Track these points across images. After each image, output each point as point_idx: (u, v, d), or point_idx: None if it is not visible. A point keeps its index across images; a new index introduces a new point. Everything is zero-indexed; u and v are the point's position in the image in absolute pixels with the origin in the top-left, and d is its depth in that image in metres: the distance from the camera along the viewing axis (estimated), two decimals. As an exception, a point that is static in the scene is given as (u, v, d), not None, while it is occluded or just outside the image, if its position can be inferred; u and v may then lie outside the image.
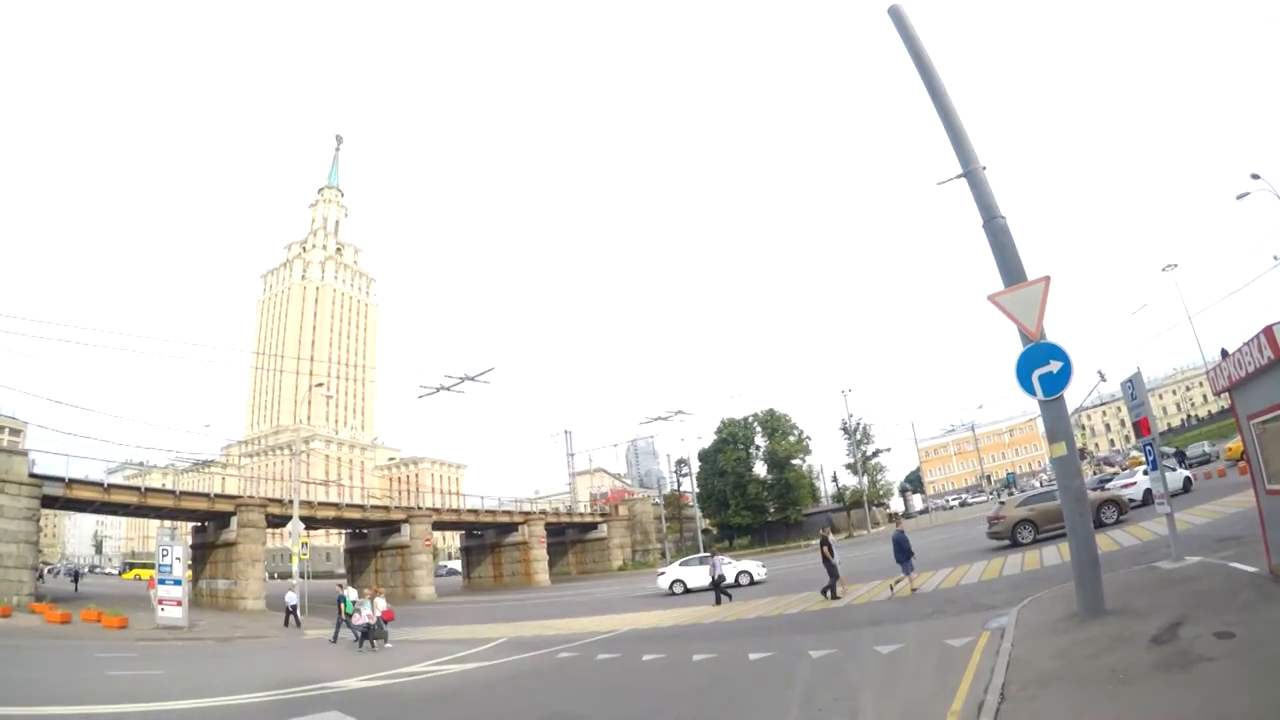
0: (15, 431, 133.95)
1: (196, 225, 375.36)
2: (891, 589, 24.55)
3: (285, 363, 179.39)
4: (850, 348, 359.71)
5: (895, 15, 15.61)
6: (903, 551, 24.73)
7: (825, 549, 27.26)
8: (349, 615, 31.73)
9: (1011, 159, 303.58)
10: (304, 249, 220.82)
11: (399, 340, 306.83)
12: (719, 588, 33.00)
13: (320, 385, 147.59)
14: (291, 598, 46.63)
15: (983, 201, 14.11)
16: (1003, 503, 38.35)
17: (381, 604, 27.89)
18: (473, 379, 45.27)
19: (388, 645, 26.71)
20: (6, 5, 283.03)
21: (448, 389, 46.50)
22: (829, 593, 26.19)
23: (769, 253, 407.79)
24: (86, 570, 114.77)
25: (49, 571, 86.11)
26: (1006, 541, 32.34)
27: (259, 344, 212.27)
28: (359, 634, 27.28)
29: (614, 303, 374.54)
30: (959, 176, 14.56)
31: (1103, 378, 67.14)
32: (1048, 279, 12.87)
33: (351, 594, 41.12)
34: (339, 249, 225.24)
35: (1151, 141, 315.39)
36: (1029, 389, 12.80)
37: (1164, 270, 71.29)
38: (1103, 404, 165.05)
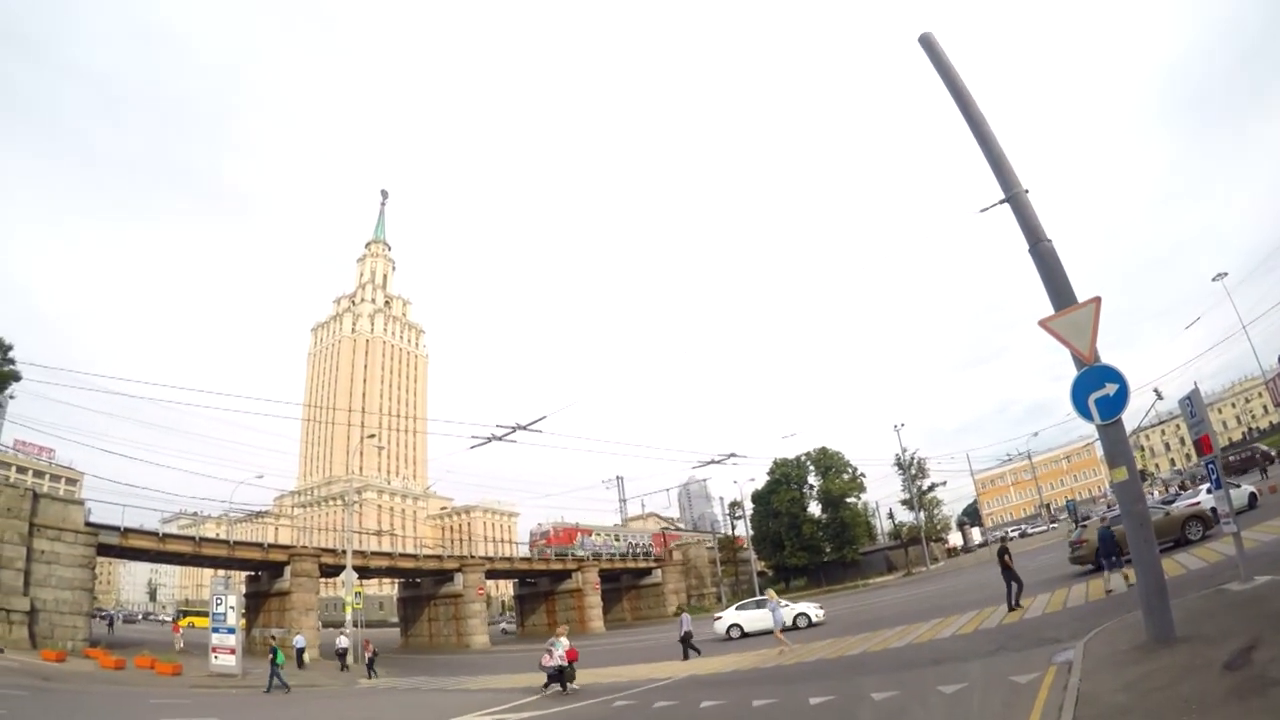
0: (72, 481, 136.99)
1: (247, 280, 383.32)
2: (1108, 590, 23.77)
3: (337, 414, 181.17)
4: (900, 382, 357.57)
5: (926, 44, 15.34)
6: (1109, 548, 24.51)
7: (1006, 558, 26.71)
8: (279, 665, 33.33)
9: (1047, 177, 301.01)
10: (353, 302, 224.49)
11: (449, 389, 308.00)
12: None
13: (372, 436, 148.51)
14: (342, 642, 46.64)
15: (1027, 226, 13.72)
16: (1084, 527, 37.17)
17: (565, 643, 27.11)
18: (524, 428, 44.84)
19: (575, 686, 25.98)
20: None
21: (499, 438, 46.07)
22: (1014, 601, 25.51)
23: (817, 293, 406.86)
24: (140, 617, 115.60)
25: (101, 618, 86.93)
26: (1090, 566, 31.26)
27: (310, 396, 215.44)
28: (549, 676, 26.25)
29: (665, 348, 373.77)
30: (1001, 202, 14.16)
31: (1159, 396, 65.56)
32: (1098, 300, 12.40)
33: (300, 641, 42.10)
34: (388, 301, 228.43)
35: (1190, 144, 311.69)
36: (1085, 414, 12.32)
37: (1214, 280, 69.06)
38: (1161, 423, 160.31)
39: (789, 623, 39.57)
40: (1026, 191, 13.90)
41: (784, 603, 42.42)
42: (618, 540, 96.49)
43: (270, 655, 33.78)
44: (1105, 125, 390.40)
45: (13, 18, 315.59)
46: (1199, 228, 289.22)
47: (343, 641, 49.43)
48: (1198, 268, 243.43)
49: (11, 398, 63.42)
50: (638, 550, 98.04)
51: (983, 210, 14.87)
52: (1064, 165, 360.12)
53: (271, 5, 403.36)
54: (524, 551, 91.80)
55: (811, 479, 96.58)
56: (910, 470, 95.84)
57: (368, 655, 43.06)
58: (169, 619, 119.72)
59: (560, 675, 25.74)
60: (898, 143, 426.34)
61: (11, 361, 60.66)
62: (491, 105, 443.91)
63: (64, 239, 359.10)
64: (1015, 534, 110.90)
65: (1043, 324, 13.08)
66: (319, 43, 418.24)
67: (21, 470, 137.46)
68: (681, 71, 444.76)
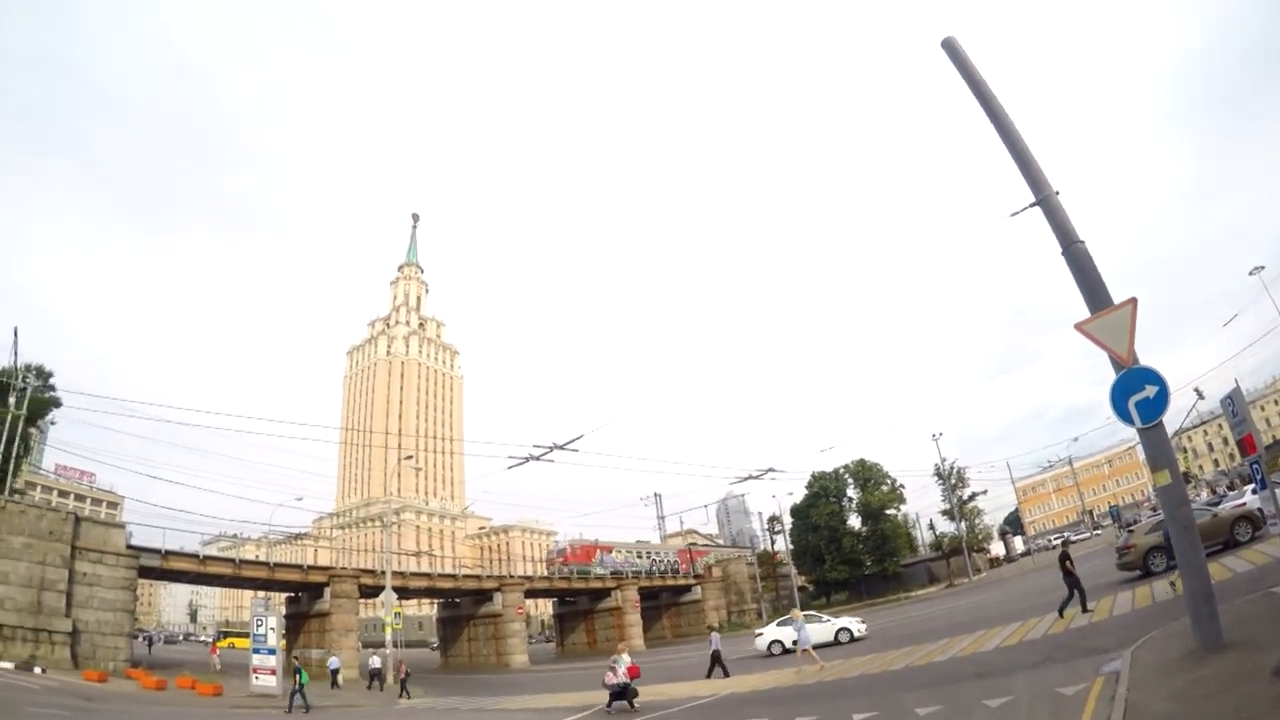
0: (113, 505, 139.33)
1: (284, 306, 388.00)
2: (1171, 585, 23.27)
3: (374, 436, 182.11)
4: (936, 391, 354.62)
5: (949, 48, 15.15)
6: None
7: (1068, 563, 26.18)
8: (303, 685, 33.39)
9: (1074, 176, 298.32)
10: (387, 325, 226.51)
11: (485, 408, 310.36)
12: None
13: (409, 458, 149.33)
14: (375, 662, 46.79)
15: (1059, 228, 13.47)
16: (1131, 531, 36.39)
17: (627, 660, 26.74)
18: (561, 447, 44.84)
19: (638, 704, 25.60)
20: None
21: (536, 458, 46.07)
22: (1081, 607, 24.99)
23: (849, 305, 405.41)
24: (181, 638, 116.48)
25: (142, 639, 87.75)
26: (1138, 572, 30.56)
27: (347, 418, 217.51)
28: (612, 694, 25.69)
29: (701, 363, 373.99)
30: (1032, 205, 13.93)
31: (1200, 395, 64.32)
32: (1134, 301, 12.09)
33: (334, 662, 42.19)
34: (421, 324, 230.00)
35: (1218, 140, 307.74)
36: (1126, 417, 11.99)
37: (1251, 274, 67.55)
38: (1203, 423, 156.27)
39: (830, 638, 39.25)
40: (1057, 194, 13.68)
41: (825, 616, 42.18)
42: (640, 558, 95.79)
43: (295, 675, 33.82)
44: (1131, 122, 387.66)
45: (54, 51, 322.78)
46: (1231, 222, 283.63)
47: (375, 661, 49.76)
48: (1233, 263, 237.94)
49: (52, 423, 64.64)
50: (663, 567, 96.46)
51: (1014, 214, 14.72)
52: (1091, 164, 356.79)
53: (302, 40, 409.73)
54: (562, 570, 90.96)
55: (850, 491, 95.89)
56: (950, 480, 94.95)
57: (401, 675, 43.04)
58: (209, 640, 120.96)
59: (624, 693, 25.34)
60: (925, 150, 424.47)
61: (52, 388, 61.74)
62: (522, 124, 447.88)
63: (105, 268, 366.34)
64: (1058, 541, 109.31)
65: (1079, 327, 12.81)
66: (349, 73, 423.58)
67: (63, 494, 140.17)
68: (712, 89, 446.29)
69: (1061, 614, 24.94)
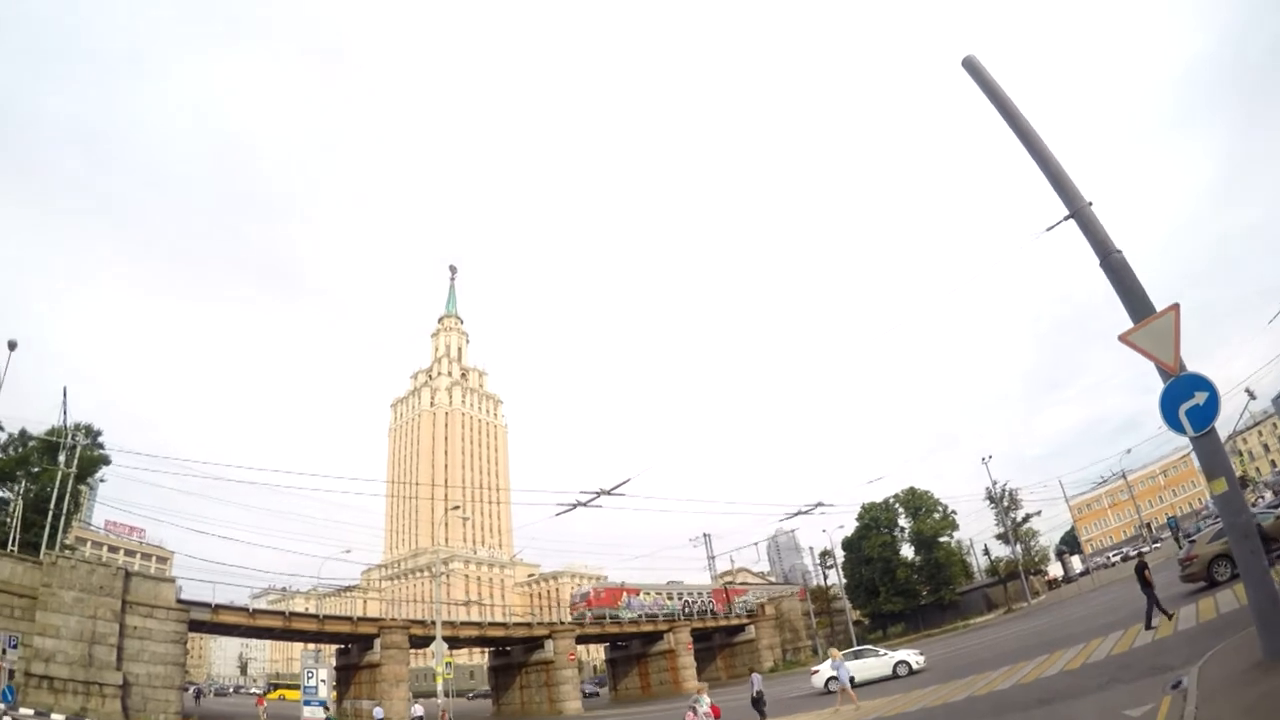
0: (162, 559, 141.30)
1: (328, 363, 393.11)
2: None
3: (420, 487, 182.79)
4: (981, 414, 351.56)
5: (970, 67, 14.99)
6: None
7: (1146, 573, 25.76)
8: None
9: (1101, 181, 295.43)
10: (430, 377, 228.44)
11: (530, 455, 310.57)
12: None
13: (456, 508, 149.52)
14: (417, 710, 46.75)
15: (1095, 239, 13.17)
16: (1192, 541, 35.40)
17: (708, 701, 26.16)
18: (608, 493, 44.63)
19: None
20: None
21: (584, 504, 45.90)
22: (1164, 613, 24.64)
23: (891, 336, 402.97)
24: (231, 690, 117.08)
25: (192, 692, 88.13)
26: (1203, 583, 29.64)
27: (393, 470, 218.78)
28: None
29: (745, 402, 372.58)
30: (1066, 219, 13.61)
31: (1252, 396, 63.04)
32: (1176, 307, 11.76)
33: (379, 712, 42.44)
34: (464, 374, 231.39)
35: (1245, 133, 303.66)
36: (1177, 427, 11.63)
37: None
38: (1256, 424, 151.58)
39: (889, 671, 38.52)
40: (1090, 204, 13.38)
41: (882, 650, 41.39)
42: (671, 599, 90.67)
43: None
44: (1152, 121, 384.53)
45: (93, 123, 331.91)
46: (1265, 216, 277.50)
47: (417, 710, 49.55)
48: (1270, 258, 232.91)
49: (102, 481, 65.51)
50: (696, 609, 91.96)
51: (1049, 229, 14.45)
52: (1116, 168, 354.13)
53: (337, 104, 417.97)
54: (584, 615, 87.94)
55: (902, 521, 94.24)
56: (1002, 503, 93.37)
57: None
58: (259, 692, 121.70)
59: None
60: (959, 168, 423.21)
61: (101, 446, 62.59)
62: (556, 170, 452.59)
63: (155, 332, 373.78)
64: (1116, 558, 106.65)
65: (1123, 339, 12.46)
66: (381, 133, 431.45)
67: (113, 549, 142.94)
68: (744, 124, 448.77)
69: (1149, 626, 24.24)
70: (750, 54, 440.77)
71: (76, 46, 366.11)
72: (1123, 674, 17.75)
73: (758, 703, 32.13)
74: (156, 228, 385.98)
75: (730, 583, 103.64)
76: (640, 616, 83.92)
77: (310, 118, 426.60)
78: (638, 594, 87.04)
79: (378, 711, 50.74)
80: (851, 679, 39.11)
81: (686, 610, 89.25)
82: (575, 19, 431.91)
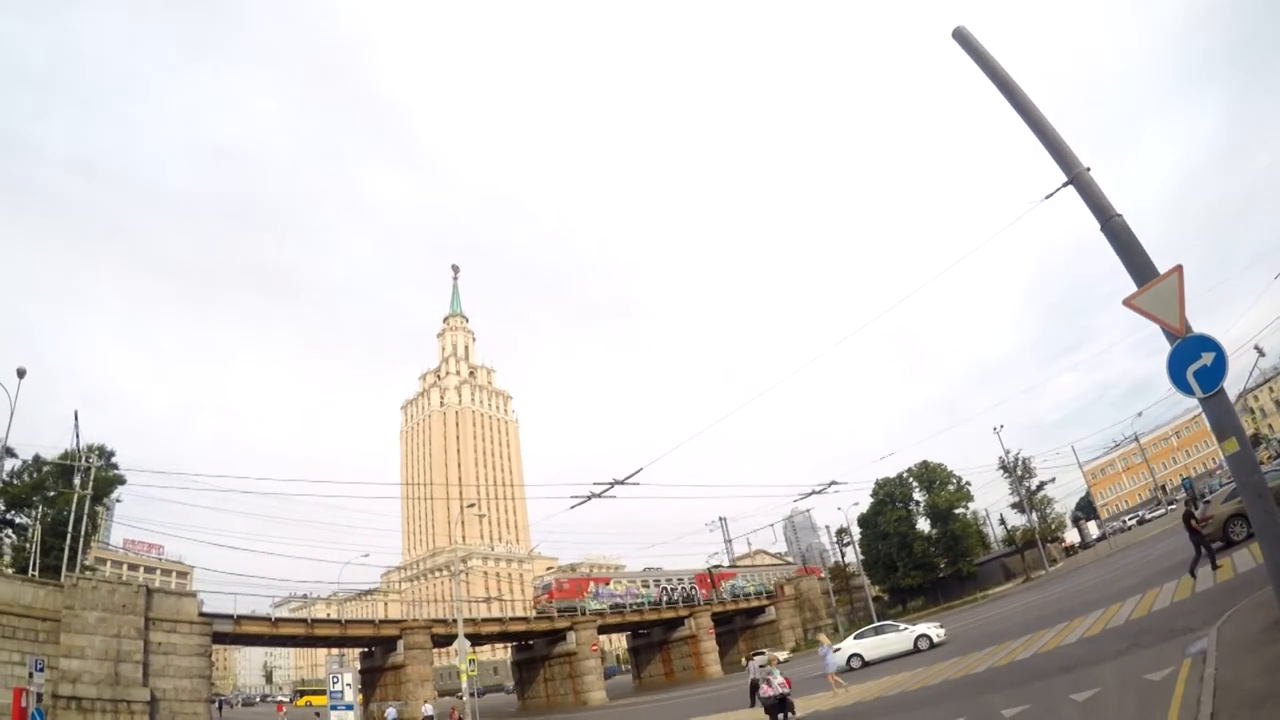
0: (183, 574, 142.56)
1: (336, 370, 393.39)
2: None
3: (434, 488, 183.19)
4: (990, 384, 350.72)
5: (961, 38, 14.87)
6: None
7: (1193, 521, 25.83)
8: None
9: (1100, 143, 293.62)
10: (438, 377, 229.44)
11: (543, 448, 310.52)
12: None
13: (471, 506, 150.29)
14: (427, 710, 47.70)
15: (1095, 204, 13.06)
16: (1207, 502, 35.35)
17: (779, 672, 25.79)
18: (621, 483, 44.67)
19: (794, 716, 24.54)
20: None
21: (598, 496, 46.03)
22: (1211, 565, 24.35)
23: (893, 313, 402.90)
24: (258, 699, 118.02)
25: (221, 703, 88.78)
26: (1220, 543, 29.63)
27: (406, 472, 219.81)
28: (768, 708, 23.88)
29: (753, 383, 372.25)
30: (1065, 185, 13.54)
31: (1261, 353, 62.95)
32: (1179, 269, 11.70)
33: (391, 713, 42.56)
34: (472, 372, 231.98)
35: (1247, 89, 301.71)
36: (1185, 389, 11.56)
37: None
38: (1267, 380, 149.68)
39: (910, 646, 38.56)
40: (1088, 170, 13.27)
41: (902, 625, 41.47)
42: (647, 587, 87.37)
43: None
44: (1150, 83, 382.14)
45: (89, 147, 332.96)
46: (1267, 173, 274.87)
47: (427, 709, 50.59)
48: (1273, 214, 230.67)
49: (118, 501, 65.84)
50: (677, 595, 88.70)
51: (1048, 196, 14.38)
52: (1114, 133, 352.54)
53: (324, 109, 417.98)
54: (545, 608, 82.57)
55: (916, 495, 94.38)
56: (1016, 472, 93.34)
57: None
58: (286, 699, 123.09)
59: (782, 705, 23.76)
60: (959, 136, 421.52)
61: (115, 467, 62.92)
62: (549, 155, 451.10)
63: (160, 348, 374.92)
64: (1133, 521, 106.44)
65: (1127, 303, 12.41)
66: (373, 134, 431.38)
67: (133, 567, 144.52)
68: (743, 110, 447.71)
69: (1193, 574, 24.18)
70: (744, 37, 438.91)
71: (68, 70, 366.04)
72: (1143, 638, 17.74)
73: (755, 689, 32.34)
74: (158, 245, 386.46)
75: (716, 567, 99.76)
76: (607, 609, 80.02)
77: (305, 126, 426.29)
78: (607, 583, 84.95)
79: (390, 711, 51.53)
80: (859, 660, 39.40)
81: (667, 598, 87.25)
82: (565, 14, 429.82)
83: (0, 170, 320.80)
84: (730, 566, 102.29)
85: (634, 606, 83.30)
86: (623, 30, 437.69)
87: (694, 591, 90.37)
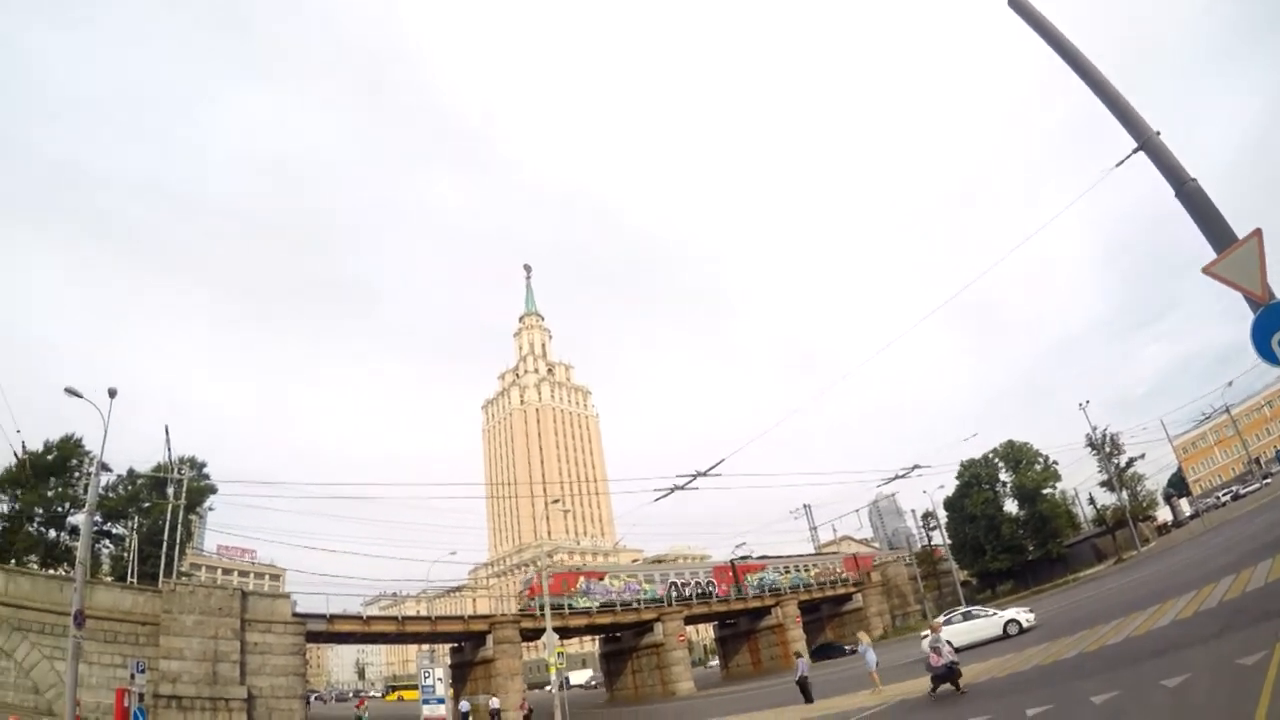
0: (275, 577, 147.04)
1: (418, 375, 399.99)
2: None
3: (518, 485, 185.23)
4: (1073, 359, 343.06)
5: (1018, 7, 14.38)
6: None
7: None
8: None
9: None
10: (517, 375, 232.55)
11: (626, 440, 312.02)
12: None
13: (556, 501, 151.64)
14: (494, 703, 52.58)
15: (1168, 170, 12.60)
16: None
17: (946, 639, 25.19)
18: (703, 474, 44.77)
19: (964, 692, 23.32)
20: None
21: (681, 488, 46.17)
22: None
23: (971, 290, 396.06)
24: (350, 695, 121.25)
25: (315, 698, 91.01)
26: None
27: (489, 469, 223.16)
28: (937, 678, 24.02)
29: (833, 372, 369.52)
30: (1136, 151, 13.10)
31: None
32: (1259, 232, 11.14)
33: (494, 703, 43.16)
34: (550, 369, 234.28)
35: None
36: (1271, 358, 11.03)
37: None
38: None
39: (999, 631, 38.08)
40: (1158, 134, 12.81)
41: (991, 610, 40.95)
42: (650, 584, 78.39)
43: None
44: (1217, 40, 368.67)
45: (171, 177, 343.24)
46: None
47: (494, 703, 52.82)
48: None
49: (210, 509, 68.04)
50: (690, 592, 79.85)
51: (1118, 164, 13.93)
52: (1181, 93, 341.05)
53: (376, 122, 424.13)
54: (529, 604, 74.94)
55: (1003, 476, 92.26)
56: (1104, 448, 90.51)
57: (523, 712, 48.06)
58: (378, 695, 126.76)
59: (950, 674, 23.66)
60: (1014, 106, 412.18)
61: (207, 478, 65.04)
62: (617, 144, 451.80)
63: (241, 363, 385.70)
64: (1226, 497, 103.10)
65: (1207, 271, 11.91)
66: (437, 142, 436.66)
67: (227, 571, 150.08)
68: (808, 98, 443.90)
69: None
70: (806, 16, 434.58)
71: (129, 101, 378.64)
72: (1236, 620, 17.28)
73: (803, 686, 32.16)
74: (234, 263, 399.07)
75: (744, 557, 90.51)
76: (598, 606, 72.23)
77: (368, 137, 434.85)
78: (602, 578, 76.26)
79: (493, 702, 53.82)
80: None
81: (678, 594, 78.32)
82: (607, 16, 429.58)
83: (76, 202, 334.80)
84: (763, 558, 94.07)
85: (631, 604, 74.76)
86: (691, 16, 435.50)
87: (710, 587, 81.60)
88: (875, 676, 30.52)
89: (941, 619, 36.61)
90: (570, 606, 69.54)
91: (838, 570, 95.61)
